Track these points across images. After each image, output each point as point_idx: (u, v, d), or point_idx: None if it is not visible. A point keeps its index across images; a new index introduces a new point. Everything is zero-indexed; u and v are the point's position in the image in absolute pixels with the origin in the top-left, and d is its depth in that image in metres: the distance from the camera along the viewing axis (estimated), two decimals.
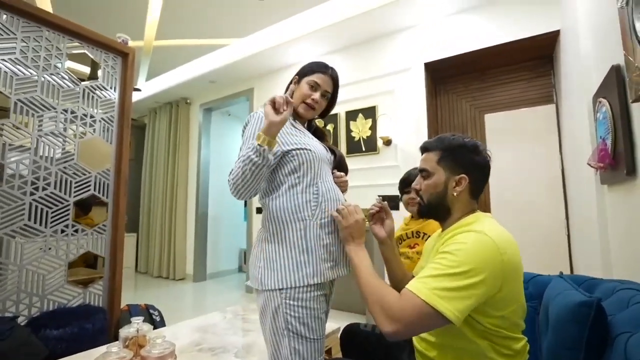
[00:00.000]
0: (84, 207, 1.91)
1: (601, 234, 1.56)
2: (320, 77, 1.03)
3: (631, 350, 0.65)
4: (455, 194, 0.84)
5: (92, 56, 1.94)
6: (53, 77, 1.77)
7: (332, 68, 1.06)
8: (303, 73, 1.05)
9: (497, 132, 2.81)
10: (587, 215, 1.81)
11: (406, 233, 1.61)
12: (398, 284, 1.02)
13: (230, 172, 0.89)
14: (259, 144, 0.83)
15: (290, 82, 1.08)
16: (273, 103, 0.87)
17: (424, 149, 0.92)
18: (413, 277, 1.03)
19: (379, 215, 1.01)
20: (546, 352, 0.90)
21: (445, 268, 0.70)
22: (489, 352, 0.74)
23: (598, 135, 1.46)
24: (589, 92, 1.61)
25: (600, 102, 1.40)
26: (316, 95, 1.02)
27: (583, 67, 1.73)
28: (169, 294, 3.97)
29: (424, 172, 0.89)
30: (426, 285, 0.70)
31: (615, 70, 1.22)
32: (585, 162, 1.57)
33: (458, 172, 0.85)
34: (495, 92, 2.87)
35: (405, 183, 1.65)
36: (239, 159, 0.87)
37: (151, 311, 2.02)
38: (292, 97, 1.04)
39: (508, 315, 0.74)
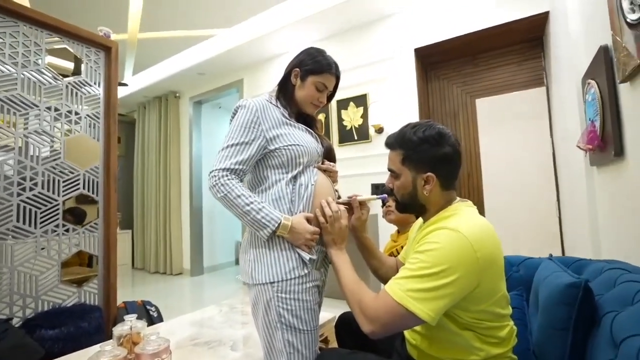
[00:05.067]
0: (76, 215, 1.88)
1: (590, 215, 1.58)
2: (328, 78, 1.00)
3: (616, 329, 0.66)
4: (425, 192, 0.82)
5: (73, 51, 1.88)
6: (33, 73, 1.72)
7: (337, 66, 1.03)
8: (309, 70, 0.98)
9: (488, 116, 2.81)
10: (577, 197, 1.83)
11: (396, 249, 1.62)
12: (377, 271, 1.05)
13: (219, 175, 0.87)
14: (276, 229, 0.86)
15: (289, 74, 1.02)
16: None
17: (387, 145, 0.89)
18: (396, 265, 1.05)
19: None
20: (536, 333, 0.92)
21: (418, 269, 0.70)
22: (474, 341, 0.74)
23: (587, 117, 1.47)
24: (578, 74, 1.60)
25: (589, 83, 1.39)
26: (323, 97, 1.02)
27: (572, 48, 1.72)
28: (166, 290, 3.98)
29: (392, 173, 0.88)
30: (400, 286, 0.71)
31: (604, 51, 1.21)
32: (575, 144, 1.58)
33: (424, 171, 0.81)
34: (486, 77, 2.85)
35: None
36: (246, 198, 0.87)
37: (148, 307, 2.02)
38: (293, 90, 1.01)
39: (488, 308, 0.74)
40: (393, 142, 0.86)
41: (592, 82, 1.34)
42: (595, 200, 1.55)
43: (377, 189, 2.92)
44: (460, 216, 0.78)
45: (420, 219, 0.94)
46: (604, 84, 1.21)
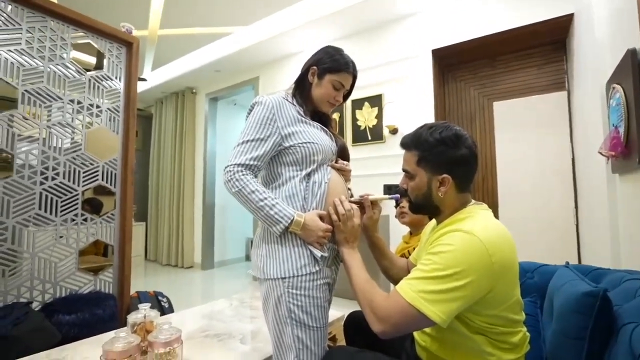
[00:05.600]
0: (93, 206, 1.94)
1: (611, 223, 1.54)
2: (345, 76, 1.00)
3: (636, 341, 0.64)
4: (440, 194, 0.81)
5: (96, 46, 1.94)
6: (59, 67, 1.78)
7: (354, 65, 1.03)
8: (327, 68, 0.99)
9: (506, 120, 2.75)
10: (597, 204, 1.78)
11: (408, 250, 1.61)
12: (387, 271, 1.05)
13: (234, 170, 0.88)
14: (289, 225, 0.86)
15: (307, 72, 1.02)
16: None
17: (402, 145, 0.88)
18: (407, 266, 1.04)
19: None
20: (550, 342, 0.90)
21: (431, 271, 0.70)
22: (486, 346, 0.73)
23: (610, 122, 1.42)
24: (603, 78, 1.56)
25: (614, 88, 1.35)
26: (340, 96, 1.03)
27: (597, 52, 1.67)
28: (177, 282, 4.05)
29: (406, 173, 0.87)
30: (412, 287, 0.71)
31: (631, 54, 1.17)
32: (597, 150, 1.53)
33: (440, 173, 0.80)
34: (505, 79, 2.80)
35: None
36: (260, 194, 0.87)
37: (160, 298, 2.06)
38: (310, 88, 1.02)
39: (501, 313, 0.73)
40: (409, 143, 0.85)
41: (618, 86, 1.30)
42: (617, 208, 1.50)
43: (389, 189, 2.90)
44: (475, 219, 0.76)
45: (433, 221, 0.93)
46: (630, 88, 1.17)
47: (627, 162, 1.27)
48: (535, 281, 1.16)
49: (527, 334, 0.80)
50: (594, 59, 1.74)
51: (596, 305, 0.75)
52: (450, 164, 0.80)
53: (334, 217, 0.91)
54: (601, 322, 0.75)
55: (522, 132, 2.66)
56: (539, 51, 2.65)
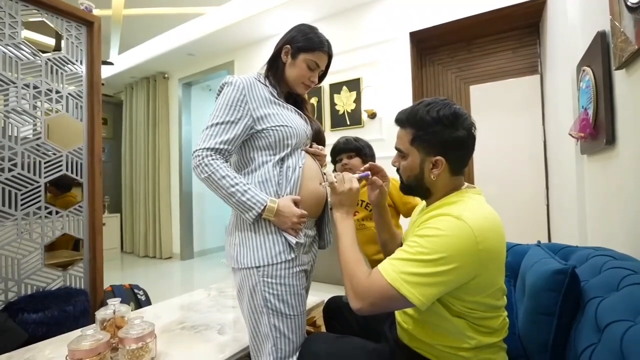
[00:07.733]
0: (60, 186, 1.82)
1: (579, 203, 1.60)
2: (320, 55, 0.96)
3: (601, 314, 0.66)
4: (432, 177, 0.78)
5: (51, 25, 1.78)
6: (9, 48, 1.62)
7: (329, 43, 0.99)
8: (301, 47, 0.94)
9: (482, 103, 2.79)
10: (566, 185, 1.85)
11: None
12: (385, 246, 1.03)
13: (203, 155, 0.84)
14: (262, 211, 0.84)
15: (280, 51, 0.98)
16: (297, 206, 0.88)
17: (397, 122, 0.83)
18: (402, 243, 1.03)
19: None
20: (522, 318, 0.93)
21: (416, 253, 0.68)
22: (467, 330, 0.73)
23: (580, 105, 1.45)
24: (574, 61, 1.58)
25: (584, 70, 1.38)
26: (315, 76, 0.98)
27: (569, 35, 1.69)
28: (155, 273, 3.96)
29: (399, 152, 0.83)
30: (394, 267, 0.69)
31: (601, 37, 1.19)
32: (567, 132, 1.57)
33: (434, 154, 0.76)
34: (481, 63, 2.82)
35: (335, 151, 1.70)
36: (232, 179, 0.84)
37: (136, 291, 2.00)
38: (283, 68, 0.97)
39: (483, 299, 0.72)
40: (404, 120, 0.81)
41: (587, 69, 1.32)
42: (584, 188, 1.56)
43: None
44: (466, 204, 0.74)
45: (423, 202, 0.91)
46: (599, 70, 1.20)
47: (595, 143, 1.30)
48: (509, 260, 1.19)
49: (507, 319, 0.81)
50: (565, 41, 1.77)
51: (565, 282, 0.77)
52: (446, 146, 0.76)
53: (331, 178, 0.89)
54: (570, 298, 0.78)
55: (497, 115, 2.71)
56: (514, 35, 2.68)
